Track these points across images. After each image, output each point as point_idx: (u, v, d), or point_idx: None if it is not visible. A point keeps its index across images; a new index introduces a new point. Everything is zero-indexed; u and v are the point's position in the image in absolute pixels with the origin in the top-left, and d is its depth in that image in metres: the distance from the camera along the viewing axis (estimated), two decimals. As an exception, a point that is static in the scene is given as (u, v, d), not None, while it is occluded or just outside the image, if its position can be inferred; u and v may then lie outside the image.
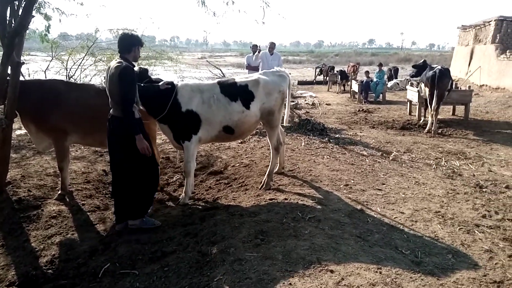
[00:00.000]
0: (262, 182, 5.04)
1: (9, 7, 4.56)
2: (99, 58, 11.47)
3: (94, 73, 11.75)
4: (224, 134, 4.74)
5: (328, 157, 6.38)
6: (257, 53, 9.16)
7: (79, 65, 11.18)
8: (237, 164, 6.16)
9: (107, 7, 10.77)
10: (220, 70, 14.64)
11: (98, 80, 11.05)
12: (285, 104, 5.20)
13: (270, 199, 4.49)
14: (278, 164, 5.48)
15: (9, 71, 4.54)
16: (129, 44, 3.84)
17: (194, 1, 7.03)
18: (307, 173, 5.48)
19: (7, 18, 4.57)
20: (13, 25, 4.55)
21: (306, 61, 53.84)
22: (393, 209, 4.35)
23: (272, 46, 9.52)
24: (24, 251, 3.66)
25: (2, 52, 4.65)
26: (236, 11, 7.24)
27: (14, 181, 4.97)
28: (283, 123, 5.31)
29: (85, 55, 11.04)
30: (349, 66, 20.77)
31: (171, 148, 6.60)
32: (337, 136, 8.28)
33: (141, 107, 4.16)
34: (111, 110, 3.85)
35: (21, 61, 4.66)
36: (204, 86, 4.68)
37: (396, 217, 4.14)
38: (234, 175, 5.73)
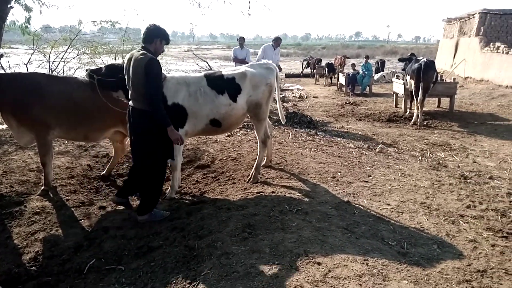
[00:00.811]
0: (250, 176, 5.03)
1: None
2: (83, 51, 11.25)
3: (77, 66, 11.52)
4: (211, 127, 4.69)
5: (315, 149, 6.40)
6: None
7: (62, 58, 10.95)
8: (224, 158, 6.12)
9: (90, -2, 10.53)
10: (207, 62, 14.54)
11: (82, 73, 10.84)
12: (275, 99, 5.21)
13: (258, 192, 4.48)
14: (266, 157, 5.46)
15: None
16: (151, 35, 3.77)
17: (179, -8, 6.95)
18: (295, 166, 5.48)
19: (-15, 9, 4.43)
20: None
21: (293, 54, 53.79)
22: (380, 201, 4.38)
23: (278, 42, 9.37)
24: (6, 248, 3.58)
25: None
26: (221, 2, 7.17)
27: (-5, 177, 4.85)
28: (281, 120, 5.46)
29: (68, 47, 10.81)
30: (336, 58, 20.81)
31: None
32: (324, 128, 8.31)
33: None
34: (131, 102, 3.80)
35: (1, 54, 4.54)
36: (190, 79, 4.61)
37: (383, 208, 4.17)
38: (221, 168, 5.70)
